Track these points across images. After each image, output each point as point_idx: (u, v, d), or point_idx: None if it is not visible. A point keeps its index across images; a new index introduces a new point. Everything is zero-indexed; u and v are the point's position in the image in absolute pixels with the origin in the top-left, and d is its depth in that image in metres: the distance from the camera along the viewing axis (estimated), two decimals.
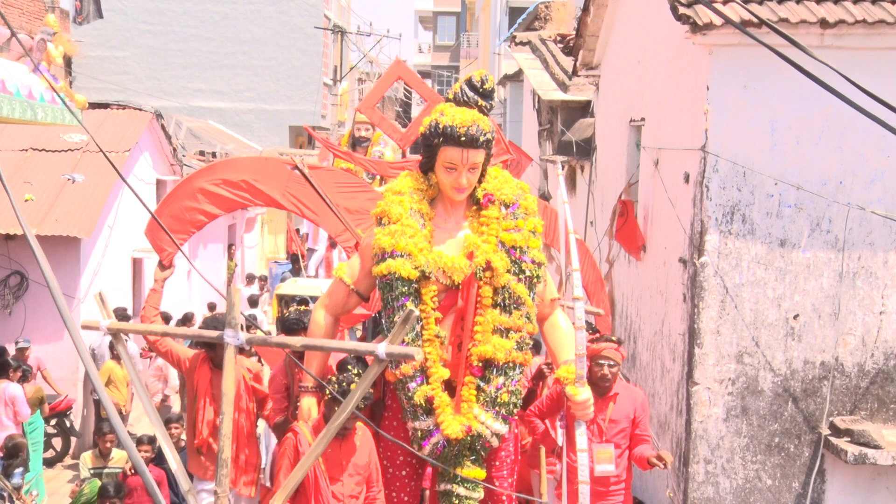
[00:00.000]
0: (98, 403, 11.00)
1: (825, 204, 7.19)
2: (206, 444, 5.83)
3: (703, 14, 6.90)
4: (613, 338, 5.75)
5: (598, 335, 6.03)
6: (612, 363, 5.62)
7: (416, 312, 3.26)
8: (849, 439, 7.13)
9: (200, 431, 5.81)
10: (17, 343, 10.89)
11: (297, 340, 4.17)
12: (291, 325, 5.74)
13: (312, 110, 28.69)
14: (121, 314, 11.24)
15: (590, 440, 5.58)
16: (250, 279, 18.79)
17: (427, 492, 4.98)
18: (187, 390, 6.18)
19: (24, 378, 9.79)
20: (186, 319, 12.54)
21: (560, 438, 6.16)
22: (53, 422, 11.37)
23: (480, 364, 4.38)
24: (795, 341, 7.33)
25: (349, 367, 4.77)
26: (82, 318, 11.77)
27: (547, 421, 5.75)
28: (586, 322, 5.93)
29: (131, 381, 10.87)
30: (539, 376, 5.60)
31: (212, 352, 5.73)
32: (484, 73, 4.57)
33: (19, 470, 8.41)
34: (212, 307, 12.52)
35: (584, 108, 12.53)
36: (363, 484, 4.89)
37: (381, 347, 3.22)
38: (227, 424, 3.60)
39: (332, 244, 14.75)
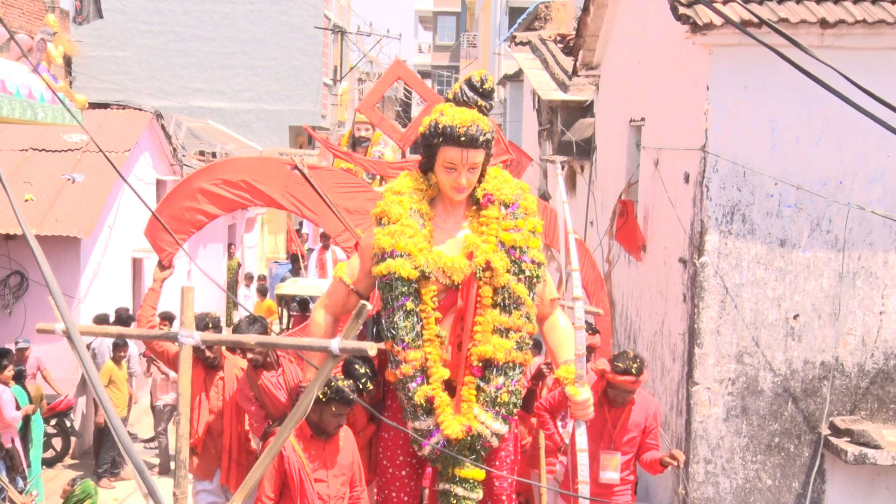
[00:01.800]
0: (97, 403, 11.00)
1: (825, 204, 7.20)
2: (200, 443, 5.83)
3: (703, 14, 6.90)
4: (634, 366, 5.56)
5: (617, 353, 5.95)
6: (630, 393, 5.62)
7: (369, 306, 3.22)
8: (849, 439, 7.13)
9: (195, 430, 5.81)
10: (16, 343, 10.89)
11: (251, 338, 4.13)
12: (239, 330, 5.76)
13: (312, 110, 28.68)
14: (123, 315, 11.24)
15: (598, 447, 5.60)
16: (249, 279, 18.79)
17: (426, 491, 4.98)
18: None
19: (20, 379, 9.77)
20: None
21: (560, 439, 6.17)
22: (53, 422, 11.38)
23: (480, 364, 4.38)
24: (795, 341, 7.33)
25: (356, 366, 4.77)
26: (82, 319, 11.80)
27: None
28: (586, 322, 5.91)
29: (111, 382, 10.88)
30: (538, 376, 5.60)
31: (198, 352, 5.71)
32: (484, 73, 4.56)
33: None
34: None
35: (584, 108, 12.54)
36: (347, 484, 4.89)
37: (335, 343, 3.16)
38: (184, 425, 3.50)
39: (326, 245, 14.76)
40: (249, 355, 5.52)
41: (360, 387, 4.77)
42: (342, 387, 4.64)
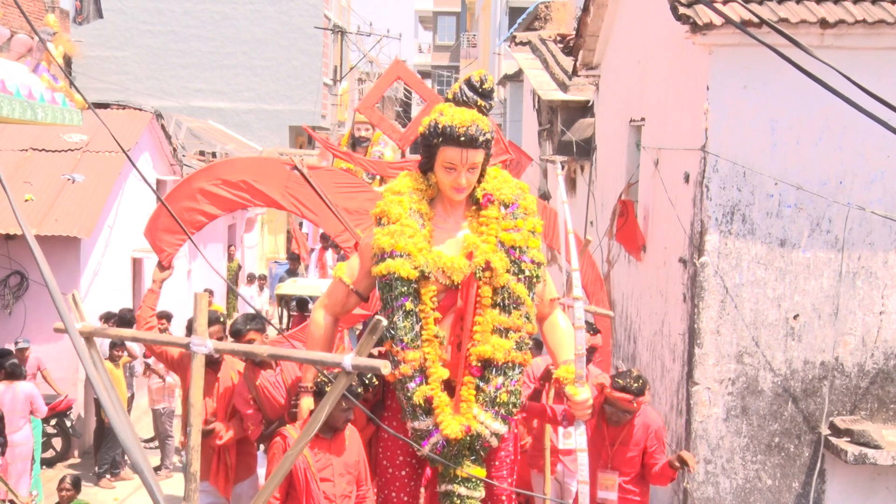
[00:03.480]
0: (98, 403, 11.00)
1: (825, 204, 7.19)
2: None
3: (703, 14, 6.90)
4: (634, 386, 5.44)
5: (620, 370, 5.83)
6: (626, 412, 5.47)
7: (384, 322, 3.19)
8: (849, 439, 7.13)
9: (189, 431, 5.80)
10: (16, 343, 10.89)
11: (263, 349, 4.13)
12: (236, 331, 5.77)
13: (312, 110, 28.69)
14: (126, 316, 11.22)
15: (596, 466, 5.49)
16: (251, 279, 18.80)
17: (424, 490, 4.98)
18: (181, 389, 6.17)
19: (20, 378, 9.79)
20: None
21: (561, 440, 6.15)
22: (53, 422, 11.38)
23: (480, 364, 4.38)
24: (795, 341, 7.33)
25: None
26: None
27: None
28: (586, 322, 5.88)
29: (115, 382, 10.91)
30: (546, 377, 5.59)
31: None
32: (483, 73, 4.56)
33: None
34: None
35: (584, 108, 12.53)
36: (353, 483, 4.89)
37: (348, 359, 3.13)
38: (195, 437, 3.43)
39: (325, 246, 14.75)
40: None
41: (366, 381, 4.76)
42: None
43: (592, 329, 6.37)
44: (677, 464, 5.40)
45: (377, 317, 3.21)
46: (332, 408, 4.70)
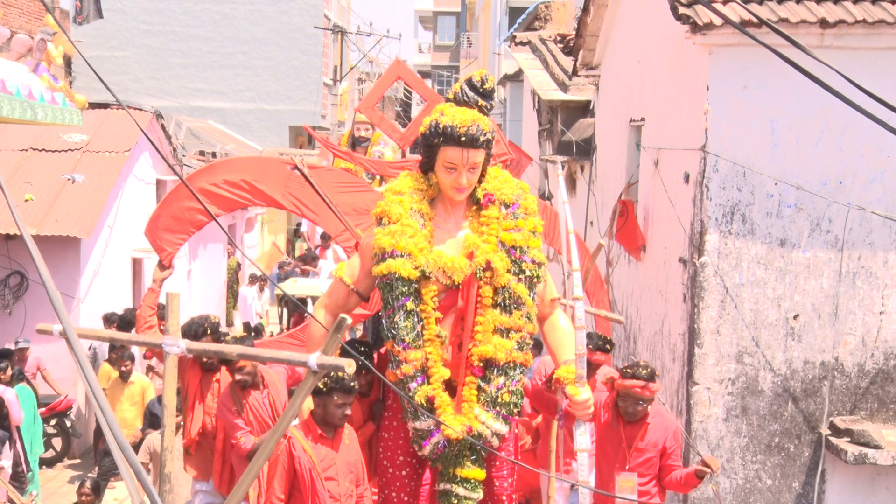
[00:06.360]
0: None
1: (825, 204, 7.20)
2: (193, 444, 5.83)
3: (703, 14, 6.90)
4: (643, 372, 5.36)
5: (631, 361, 5.75)
6: (640, 401, 5.38)
7: (348, 320, 3.18)
8: (849, 439, 7.13)
9: (188, 431, 5.81)
10: (17, 343, 10.89)
11: (234, 349, 4.12)
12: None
13: (312, 110, 28.67)
14: (128, 316, 11.24)
15: (612, 468, 5.47)
16: (252, 279, 18.79)
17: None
18: (180, 390, 6.13)
19: (20, 379, 9.76)
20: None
21: (577, 441, 6.11)
22: (53, 422, 11.38)
23: (481, 364, 4.38)
24: (795, 341, 7.34)
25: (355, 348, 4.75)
26: (82, 319, 11.80)
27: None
28: (602, 339, 5.80)
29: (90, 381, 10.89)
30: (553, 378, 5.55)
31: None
32: (484, 73, 4.56)
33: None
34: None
35: (584, 108, 12.53)
36: (355, 482, 4.90)
37: (313, 359, 3.11)
38: (168, 437, 3.42)
39: (326, 245, 14.76)
40: (238, 377, 5.50)
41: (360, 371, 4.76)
42: (341, 376, 4.63)
43: (605, 348, 5.90)
44: (706, 469, 5.27)
45: (341, 315, 3.20)
46: (327, 405, 4.74)
